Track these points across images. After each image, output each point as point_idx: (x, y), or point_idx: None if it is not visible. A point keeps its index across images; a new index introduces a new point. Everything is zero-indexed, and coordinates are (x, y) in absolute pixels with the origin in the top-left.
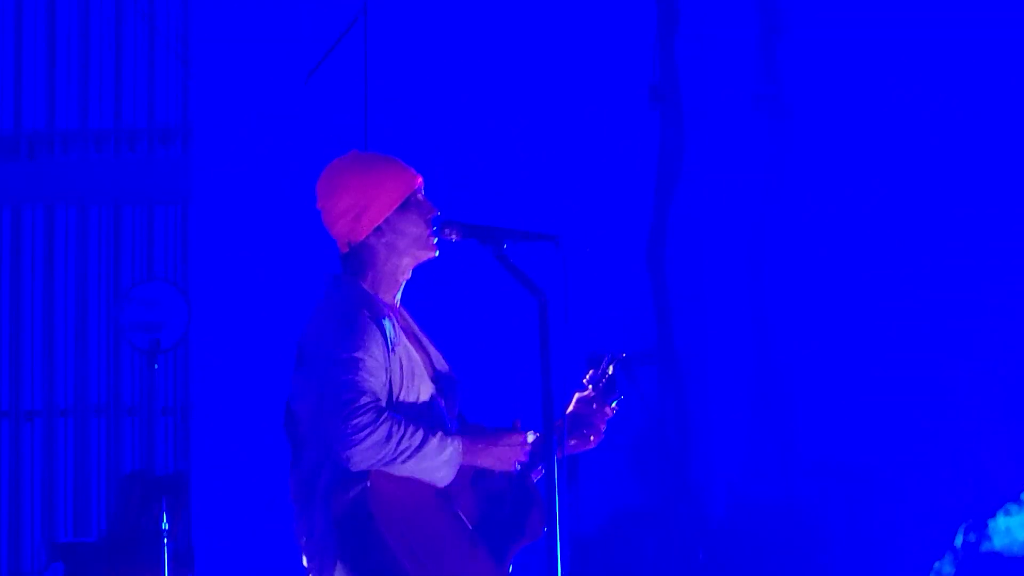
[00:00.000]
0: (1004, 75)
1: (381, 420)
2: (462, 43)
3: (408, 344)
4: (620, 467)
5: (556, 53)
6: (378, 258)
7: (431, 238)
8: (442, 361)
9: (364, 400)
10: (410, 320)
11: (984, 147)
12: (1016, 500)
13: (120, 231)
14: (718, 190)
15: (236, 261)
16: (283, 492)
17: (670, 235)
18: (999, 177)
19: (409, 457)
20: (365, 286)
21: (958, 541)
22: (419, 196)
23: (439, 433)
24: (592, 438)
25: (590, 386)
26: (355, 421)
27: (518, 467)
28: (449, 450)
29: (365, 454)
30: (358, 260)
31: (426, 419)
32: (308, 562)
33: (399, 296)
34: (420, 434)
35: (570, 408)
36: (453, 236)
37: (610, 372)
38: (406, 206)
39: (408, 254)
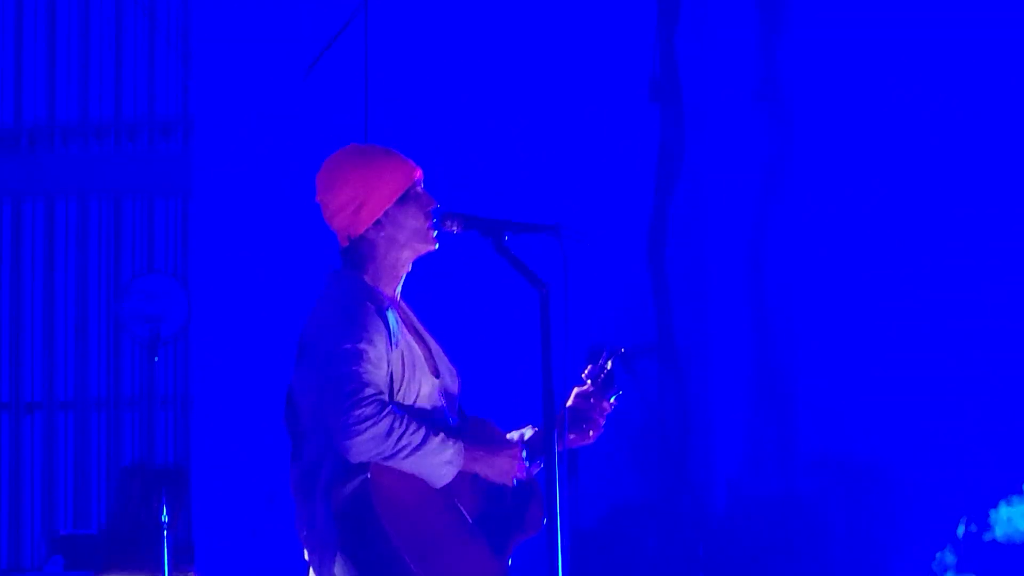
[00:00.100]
0: (1005, 75)
1: (384, 414)
2: (463, 37)
3: (409, 337)
4: (620, 461)
5: (557, 48)
6: (378, 251)
7: (431, 231)
8: (442, 354)
9: (368, 392)
10: (410, 313)
11: (985, 146)
12: (1018, 490)
13: (120, 224)
14: (719, 185)
15: (236, 254)
16: (284, 485)
17: (671, 230)
18: (1001, 175)
19: (408, 455)
20: (366, 279)
21: (960, 531)
22: (419, 189)
23: (441, 434)
24: (591, 433)
25: (589, 381)
26: (357, 412)
27: (514, 483)
28: (450, 452)
29: (365, 446)
30: (358, 253)
31: (426, 414)
32: (309, 554)
33: (399, 289)
34: (421, 433)
35: (569, 402)
36: (454, 228)
37: (608, 367)
38: (405, 199)
39: (408, 247)
